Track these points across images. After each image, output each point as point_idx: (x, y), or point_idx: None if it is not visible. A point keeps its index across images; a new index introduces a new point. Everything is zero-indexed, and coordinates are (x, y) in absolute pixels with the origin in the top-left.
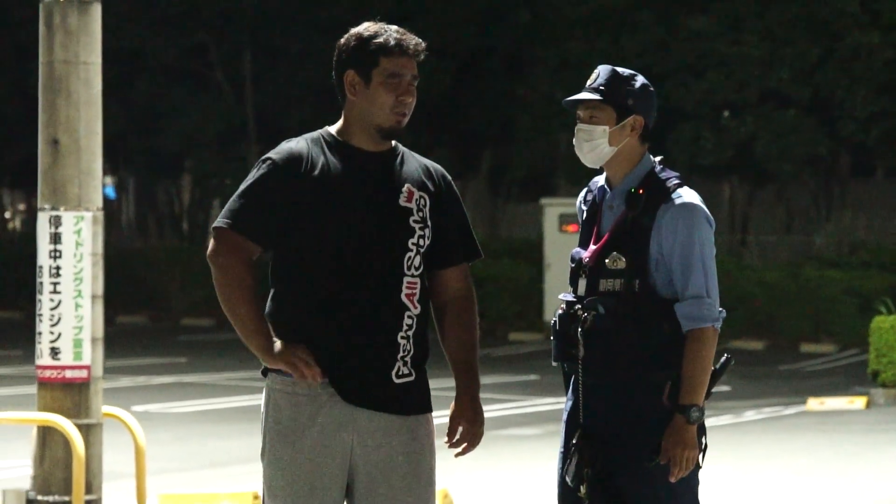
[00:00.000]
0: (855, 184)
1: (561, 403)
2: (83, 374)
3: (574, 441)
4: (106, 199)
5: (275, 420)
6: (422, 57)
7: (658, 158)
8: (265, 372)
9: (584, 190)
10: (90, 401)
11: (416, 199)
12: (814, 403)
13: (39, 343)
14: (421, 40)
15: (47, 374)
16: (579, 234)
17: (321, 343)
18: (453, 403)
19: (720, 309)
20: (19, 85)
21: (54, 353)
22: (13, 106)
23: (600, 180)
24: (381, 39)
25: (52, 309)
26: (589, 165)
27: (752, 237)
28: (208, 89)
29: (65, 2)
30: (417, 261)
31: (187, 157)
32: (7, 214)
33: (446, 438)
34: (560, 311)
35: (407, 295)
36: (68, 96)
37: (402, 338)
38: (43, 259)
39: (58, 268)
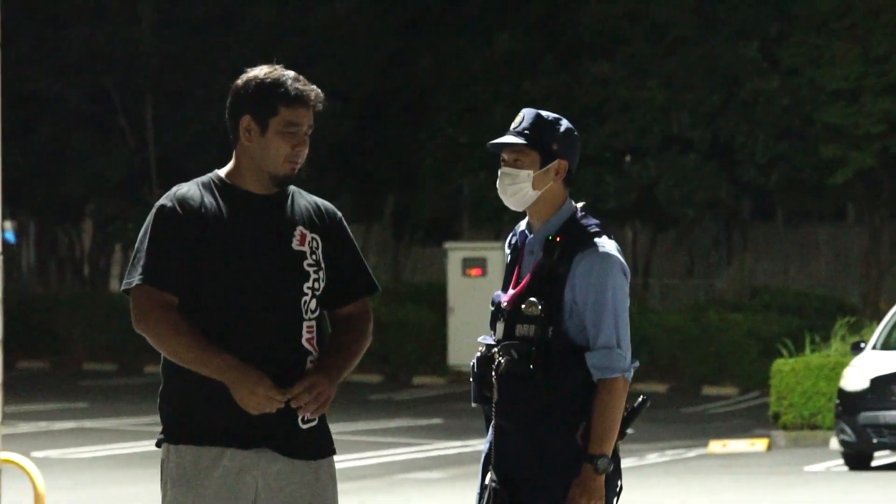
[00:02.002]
0: (756, 228)
1: (465, 447)
2: None
3: (487, 483)
4: (6, 244)
5: (177, 465)
6: (320, 107)
7: (580, 204)
8: (160, 444)
9: (511, 233)
10: None
11: (309, 242)
12: (716, 446)
13: None
14: (319, 90)
15: None
16: (503, 276)
17: (223, 394)
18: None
19: (634, 361)
20: None
21: None
22: None
23: (523, 224)
24: (281, 88)
25: None
26: (512, 209)
27: (654, 280)
28: (111, 133)
29: None
30: (314, 304)
31: (89, 202)
32: None
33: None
34: (478, 354)
35: (307, 339)
36: None
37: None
38: None
39: None
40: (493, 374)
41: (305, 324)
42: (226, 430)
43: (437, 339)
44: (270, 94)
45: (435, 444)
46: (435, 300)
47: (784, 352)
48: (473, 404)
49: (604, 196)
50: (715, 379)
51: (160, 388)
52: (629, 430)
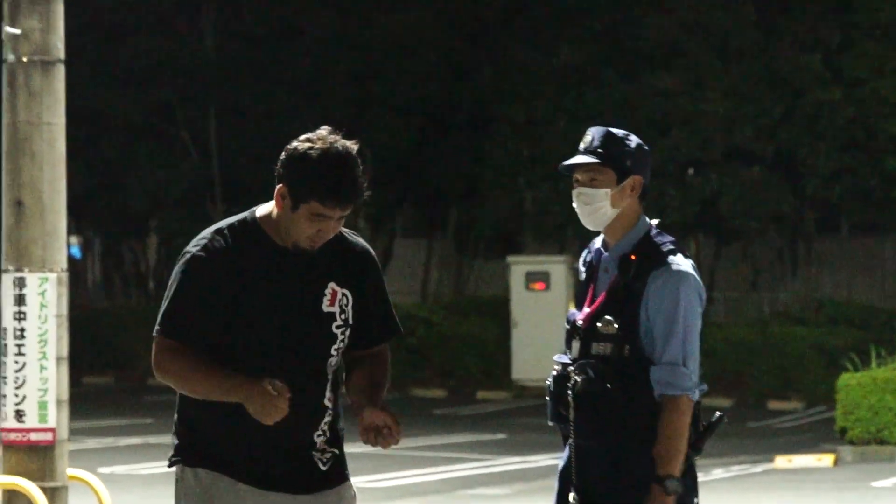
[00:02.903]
0: (820, 240)
1: (528, 463)
2: (48, 436)
3: (568, 501)
4: (71, 259)
5: (194, 484)
6: (357, 204)
7: (655, 221)
8: (173, 463)
9: (585, 250)
10: (55, 463)
11: (339, 300)
12: (782, 461)
13: (4, 406)
14: (363, 185)
15: (12, 436)
16: (576, 294)
17: (243, 437)
18: (364, 412)
19: (702, 385)
20: None
21: (19, 415)
22: None
23: (597, 241)
24: (322, 184)
25: (17, 371)
26: (591, 228)
27: (718, 294)
28: (174, 148)
29: (28, 63)
30: (335, 362)
31: (153, 217)
32: None
33: (366, 440)
34: (554, 373)
35: (329, 398)
36: (32, 157)
37: (319, 434)
38: (7, 321)
39: (22, 330)
40: (570, 392)
41: (329, 384)
42: (244, 468)
43: (501, 353)
44: (308, 183)
45: (498, 459)
46: (498, 314)
47: (850, 366)
48: (550, 423)
49: (666, 209)
50: (780, 393)
51: (175, 412)
52: (703, 447)
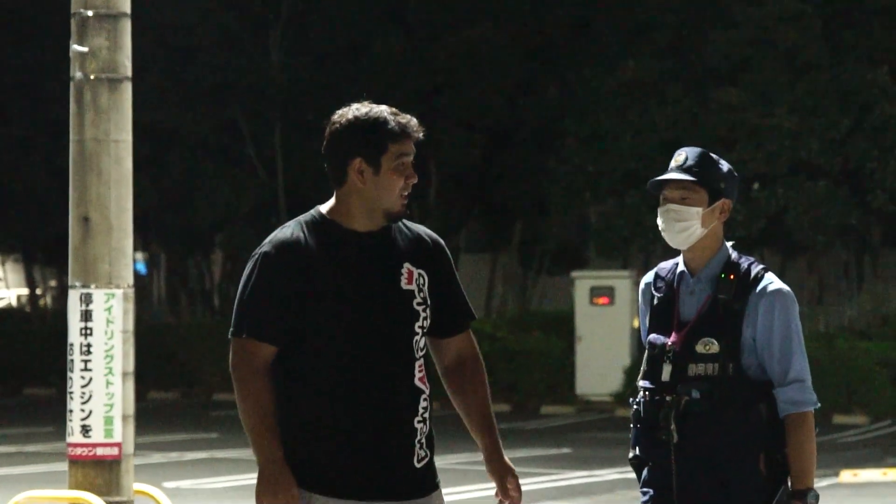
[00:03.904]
0: (886, 254)
1: (593, 477)
2: (114, 451)
3: None
4: (137, 275)
5: None
6: (421, 136)
7: (731, 244)
8: None
9: (652, 275)
10: (121, 478)
11: (416, 279)
12: (847, 475)
13: (70, 420)
14: (416, 120)
15: (78, 451)
16: (648, 319)
17: (338, 439)
18: (491, 463)
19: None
20: (51, 162)
21: (85, 430)
22: (45, 183)
23: (669, 265)
24: (388, 125)
25: (83, 386)
26: (676, 247)
27: None
28: (240, 164)
29: (95, 80)
30: (422, 342)
31: (219, 232)
32: (38, 291)
33: (500, 494)
34: (643, 399)
35: (420, 378)
36: (99, 174)
37: (419, 421)
38: (74, 336)
39: (88, 345)
40: (673, 415)
41: (417, 363)
42: (341, 483)
43: (565, 368)
44: (377, 132)
45: (564, 473)
46: (562, 329)
47: None
48: (632, 451)
49: (732, 224)
50: (845, 407)
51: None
52: None
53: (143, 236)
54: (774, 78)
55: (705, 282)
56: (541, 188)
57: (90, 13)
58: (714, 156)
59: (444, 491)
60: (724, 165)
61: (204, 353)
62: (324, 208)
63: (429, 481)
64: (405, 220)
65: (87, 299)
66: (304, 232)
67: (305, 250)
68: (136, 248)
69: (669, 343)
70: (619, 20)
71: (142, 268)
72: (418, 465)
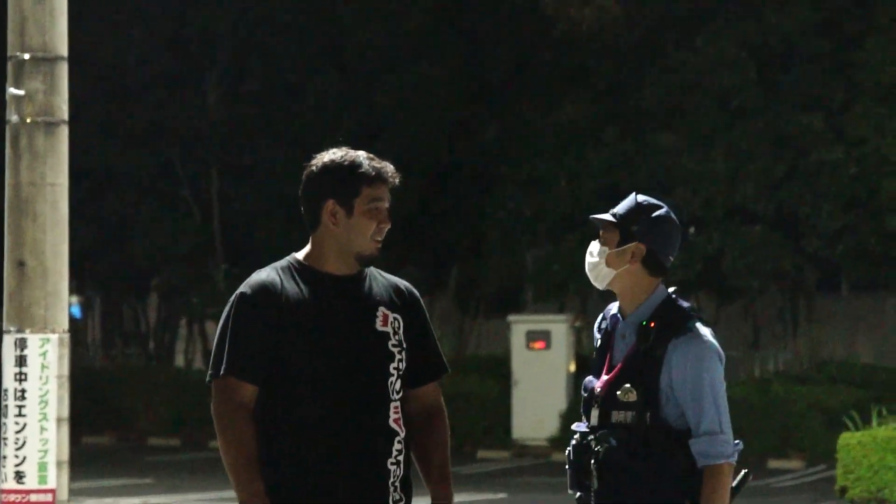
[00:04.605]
0: (821, 298)
1: None
2: (48, 497)
3: None
4: (71, 318)
5: None
6: (397, 182)
7: (672, 289)
8: None
9: (600, 316)
10: None
11: (391, 322)
12: None
13: (4, 467)
14: (393, 167)
15: (12, 498)
16: (593, 361)
17: (312, 478)
18: None
19: (736, 441)
20: None
21: (19, 477)
22: None
23: (613, 308)
24: (361, 169)
25: (17, 432)
26: (593, 283)
27: None
28: (176, 207)
29: (31, 123)
30: (398, 384)
31: (154, 275)
32: None
33: None
34: (574, 442)
35: (395, 419)
36: (35, 218)
37: (393, 463)
38: (8, 382)
39: (23, 391)
40: (593, 462)
41: (392, 404)
42: None
43: (502, 411)
44: (351, 176)
45: None
46: (499, 372)
47: (850, 425)
48: (570, 491)
49: (669, 268)
50: (780, 452)
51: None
52: None
53: (78, 279)
54: (710, 122)
55: (631, 327)
56: (478, 231)
57: (27, 56)
58: (649, 203)
59: None
60: (654, 212)
61: (139, 397)
62: (299, 254)
63: None
64: (381, 271)
65: (21, 344)
66: (279, 275)
67: (281, 291)
68: (70, 291)
69: (598, 388)
70: (556, 64)
71: (76, 311)
72: None
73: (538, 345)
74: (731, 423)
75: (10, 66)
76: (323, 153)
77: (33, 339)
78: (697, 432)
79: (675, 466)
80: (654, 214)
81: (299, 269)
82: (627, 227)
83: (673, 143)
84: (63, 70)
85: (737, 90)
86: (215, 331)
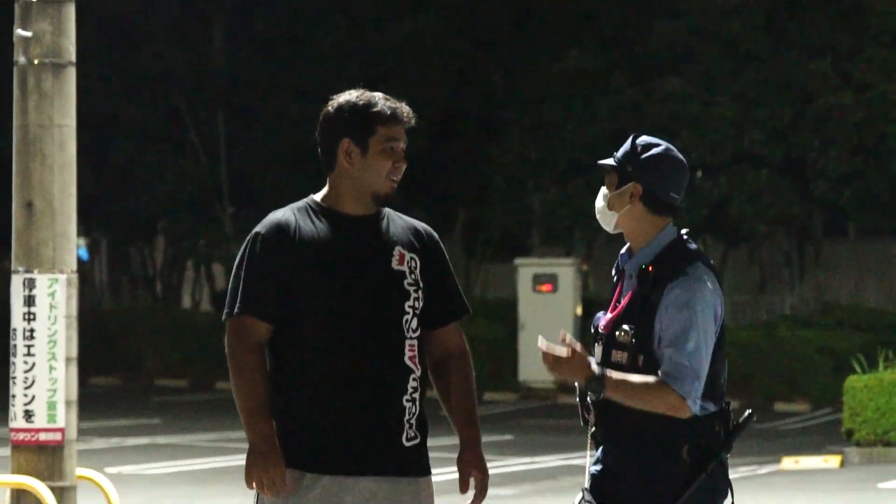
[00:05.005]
0: (828, 243)
1: (535, 464)
2: (57, 436)
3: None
4: (79, 261)
5: None
6: (412, 122)
7: (684, 231)
8: None
9: (620, 254)
10: (64, 463)
11: (408, 262)
12: (788, 462)
13: (13, 406)
14: (409, 108)
15: (21, 436)
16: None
17: (327, 414)
18: (462, 455)
19: (707, 404)
20: None
21: (28, 415)
22: None
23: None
24: (377, 108)
25: (26, 372)
26: (604, 228)
27: (725, 297)
28: (182, 151)
29: (39, 65)
30: (415, 323)
31: (161, 219)
32: None
33: (459, 488)
34: None
35: (410, 357)
36: (43, 159)
37: (408, 400)
38: (17, 321)
39: (32, 330)
40: (589, 398)
41: (408, 342)
42: (330, 459)
43: (508, 355)
44: (367, 115)
45: (506, 460)
46: (505, 316)
47: (857, 368)
48: (582, 423)
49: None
50: (787, 395)
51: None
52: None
53: (85, 222)
54: (718, 68)
55: (634, 270)
56: (484, 176)
57: None
58: (645, 142)
59: (444, 471)
60: (650, 152)
61: (146, 340)
62: (317, 196)
63: (418, 464)
64: (399, 213)
65: (30, 284)
66: (295, 215)
67: (296, 231)
68: (77, 234)
69: (602, 326)
70: (563, 9)
71: (84, 253)
72: (407, 444)
73: (545, 288)
74: (704, 376)
75: (17, 8)
76: (340, 94)
77: (42, 280)
78: (666, 361)
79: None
80: (649, 153)
81: (316, 210)
82: (624, 169)
83: (680, 88)
84: (70, 11)
85: (744, 36)
86: (222, 273)
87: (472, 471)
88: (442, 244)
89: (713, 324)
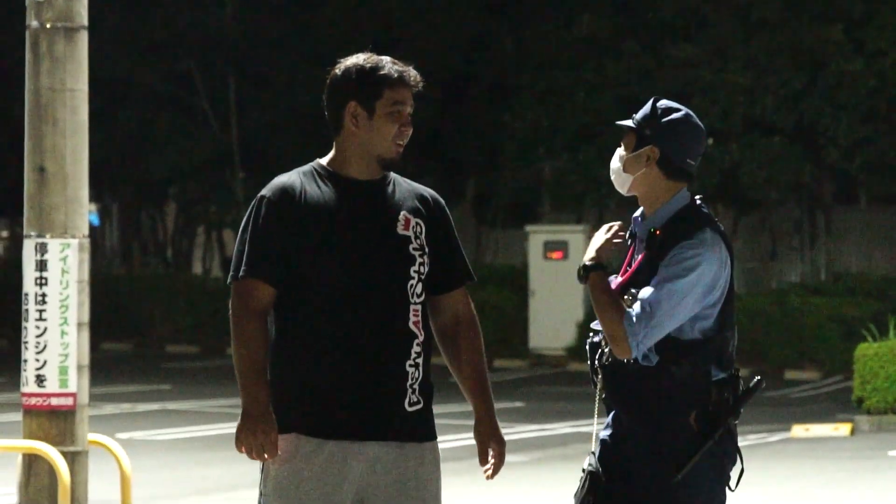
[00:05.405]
0: (839, 211)
1: (546, 431)
2: (69, 401)
3: (584, 467)
4: (90, 226)
5: (281, 448)
6: (420, 87)
7: (698, 197)
8: None
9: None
10: (76, 428)
11: (413, 227)
12: (799, 430)
13: (25, 370)
14: (416, 72)
15: (33, 401)
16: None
17: (330, 378)
18: (478, 426)
19: (652, 356)
20: (5, 112)
21: (40, 380)
22: None
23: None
24: (383, 71)
25: (38, 336)
26: (617, 189)
27: (736, 264)
28: (194, 117)
29: (51, 29)
30: (419, 288)
31: (172, 185)
32: None
33: (479, 461)
34: (589, 339)
35: (414, 322)
36: (55, 123)
37: (411, 365)
38: (29, 286)
39: (44, 295)
40: (597, 362)
41: (412, 307)
42: (333, 424)
43: (519, 322)
44: (374, 77)
45: (516, 427)
46: (516, 283)
47: (868, 336)
48: (593, 387)
49: (691, 173)
50: (797, 363)
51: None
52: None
53: (96, 187)
54: (729, 34)
55: (644, 233)
56: (495, 142)
57: None
58: (666, 106)
59: (453, 437)
60: (670, 116)
61: (156, 305)
62: (324, 160)
63: (422, 429)
64: (406, 178)
65: (42, 249)
66: (301, 178)
67: (303, 195)
68: (89, 199)
69: (613, 288)
70: None
71: (94, 219)
72: (410, 409)
73: (555, 255)
74: (662, 329)
75: None
76: (347, 57)
77: (53, 244)
78: (637, 301)
79: (670, 377)
80: (669, 118)
81: (322, 174)
82: (642, 131)
83: (692, 54)
84: None
85: (757, 2)
86: (233, 239)
87: (490, 441)
88: (448, 210)
89: (702, 290)
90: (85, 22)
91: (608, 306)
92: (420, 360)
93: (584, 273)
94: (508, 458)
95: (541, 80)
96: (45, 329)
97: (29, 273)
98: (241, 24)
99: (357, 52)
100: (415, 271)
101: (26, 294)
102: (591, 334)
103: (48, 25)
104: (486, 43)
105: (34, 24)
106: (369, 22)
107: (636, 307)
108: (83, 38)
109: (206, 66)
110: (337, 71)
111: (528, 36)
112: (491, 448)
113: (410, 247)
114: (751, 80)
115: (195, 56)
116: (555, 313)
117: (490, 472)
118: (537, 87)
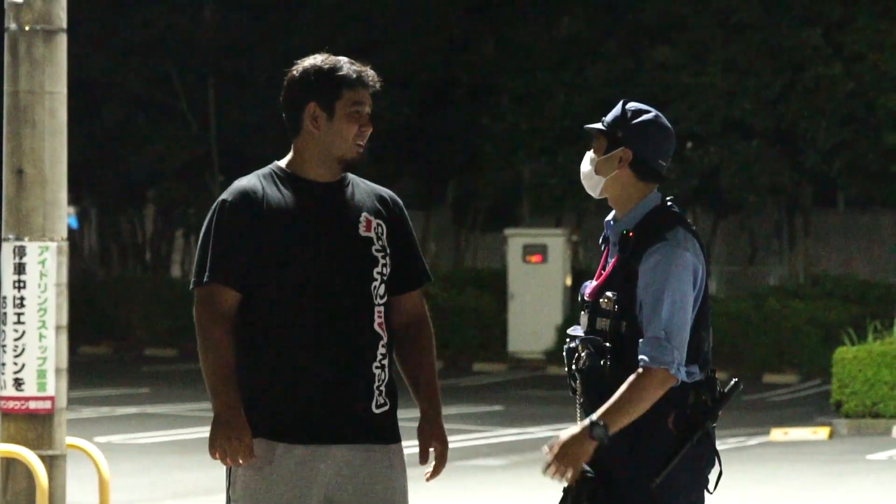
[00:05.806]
0: (817, 214)
1: (525, 434)
2: (47, 405)
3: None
4: (68, 229)
5: None
6: (378, 87)
7: (669, 198)
8: None
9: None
10: (54, 432)
11: (375, 228)
12: (777, 433)
13: (3, 374)
14: (374, 72)
15: (10, 405)
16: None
17: (297, 382)
18: (422, 426)
19: (694, 370)
20: None
21: (18, 384)
22: None
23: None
24: (342, 72)
25: (16, 340)
26: (588, 193)
27: (715, 267)
28: (173, 118)
29: (30, 31)
30: (382, 289)
31: (151, 187)
32: None
33: (419, 460)
34: (566, 345)
35: (378, 323)
36: (33, 126)
37: (377, 367)
38: (7, 289)
39: (22, 298)
40: (574, 367)
41: (376, 308)
42: (299, 427)
43: (498, 325)
44: (333, 79)
45: (495, 430)
46: (495, 286)
47: (845, 339)
48: (571, 393)
49: (666, 182)
50: (776, 366)
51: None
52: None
53: (75, 190)
54: (708, 37)
55: (615, 236)
56: (474, 145)
57: None
58: (635, 108)
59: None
60: (640, 118)
61: (135, 309)
62: (282, 162)
63: (389, 431)
64: (364, 179)
65: (20, 252)
66: (261, 181)
67: (263, 198)
68: (68, 202)
69: (587, 294)
70: None
71: (73, 222)
72: (377, 411)
73: (535, 258)
74: (685, 341)
75: None
76: (305, 59)
77: (32, 247)
78: (645, 335)
79: None
80: (640, 119)
81: (281, 176)
82: (613, 134)
83: (671, 57)
84: None
85: (735, 5)
86: None
87: (432, 441)
88: (405, 211)
89: (690, 288)
90: (64, 24)
91: (635, 392)
92: (385, 362)
93: (602, 430)
94: (488, 461)
95: (520, 83)
96: (24, 332)
97: (7, 276)
98: (219, 26)
99: (336, 54)
100: (378, 273)
101: (4, 297)
102: (567, 340)
103: (27, 28)
104: (466, 45)
105: (13, 26)
106: (349, 24)
107: (648, 347)
108: (62, 41)
109: (185, 69)
110: (294, 72)
111: (508, 38)
112: (433, 447)
113: (373, 248)
114: (730, 83)
115: (174, 58)
116: (534, 317)
117: (430, 473)
118: (516, 90)
